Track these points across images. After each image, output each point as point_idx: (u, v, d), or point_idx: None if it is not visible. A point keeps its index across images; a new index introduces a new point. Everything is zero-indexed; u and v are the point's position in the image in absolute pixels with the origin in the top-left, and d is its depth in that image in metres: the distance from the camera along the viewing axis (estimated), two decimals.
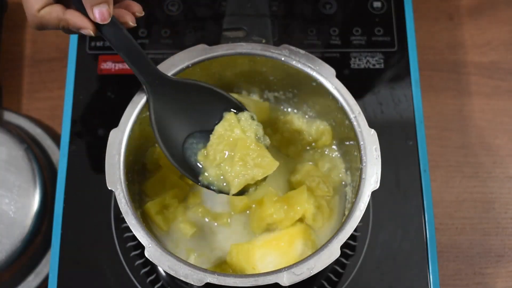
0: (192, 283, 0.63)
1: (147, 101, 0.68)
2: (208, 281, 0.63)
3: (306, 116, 0.80)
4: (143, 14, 0.66)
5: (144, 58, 0.67)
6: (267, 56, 0.74)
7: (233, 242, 0.74)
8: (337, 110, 0.73)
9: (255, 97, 0.80)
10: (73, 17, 0.63)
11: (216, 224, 0.75)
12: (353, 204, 0.67)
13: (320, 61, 0.73)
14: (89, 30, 0.63)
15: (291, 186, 0.77)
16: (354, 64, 0.86)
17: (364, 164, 0.68)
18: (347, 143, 0.74)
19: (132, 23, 0.65)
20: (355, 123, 0.70)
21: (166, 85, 0.68)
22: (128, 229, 0.71)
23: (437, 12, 0.98)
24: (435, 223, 0.79)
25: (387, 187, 0.78)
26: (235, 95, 0.77)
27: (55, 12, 0.63)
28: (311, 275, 0.63)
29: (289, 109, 0.80)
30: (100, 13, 0.62)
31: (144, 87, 0.68)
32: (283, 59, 0.73)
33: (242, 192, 0.67)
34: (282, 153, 0.79)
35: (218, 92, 0.70)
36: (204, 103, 0.70)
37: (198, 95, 0.69)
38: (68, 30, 0.64)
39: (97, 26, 0.63)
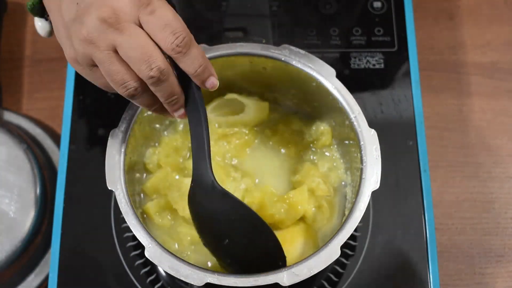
0: (192, 283, 0.63)
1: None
2: (208, 281, 0.63)
3: (306, 117, 0.80)
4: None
5: (207, 153, 0.63)
6: (267, 56, 0.74)
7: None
8: (337, 110, 0.73)
9: (255, 97, 0.80)
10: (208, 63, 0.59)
11: None
12: (353, 204, 0.67)
13: (320, 61, 0.73)
14: (217, 81, 0.60)
15: (291, 187, 0.77)
16: (354, 64, 0.86)
17: (364, 164, 0.68)
18: (347, 142, 0.74)
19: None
20: (355, 123, 0.70)
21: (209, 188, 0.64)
22: (128, 229, 0.71)
23: (437, 12, 0.98)
24: (435, 223, 0.79)
25: (387, 187, 0.78)
26: (234, 95, 0.78)
27: (200, 48, 0.58)
28: (311, 275, 0.63)
29: (289, 110, 0.80)
30: (211, 83, 0.59)
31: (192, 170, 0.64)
32: (283, 59, 0.73)
33: None
34: (282, 153, 0.79)
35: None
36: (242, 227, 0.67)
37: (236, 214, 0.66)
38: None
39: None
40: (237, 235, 0.66)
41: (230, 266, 0.68)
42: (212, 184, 0.63)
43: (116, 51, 0.56)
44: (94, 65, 0.58)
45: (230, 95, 0.78)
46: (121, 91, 0.58)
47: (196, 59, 0.58)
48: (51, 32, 0.67)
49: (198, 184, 0.64)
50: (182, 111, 0.61)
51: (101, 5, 0.55)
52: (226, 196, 0.64)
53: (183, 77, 0.60)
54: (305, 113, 0.80)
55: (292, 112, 0.80)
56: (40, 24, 0.67)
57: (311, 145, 0.79)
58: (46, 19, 0.67)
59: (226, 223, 0.66)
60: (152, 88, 0.58)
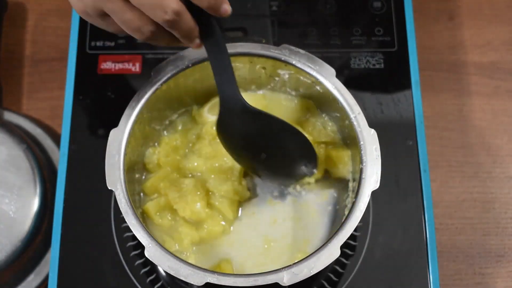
0: (192, 283, 0.63)
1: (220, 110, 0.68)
2: (208, 281, 0.63)
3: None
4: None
5: (232, 77, 0.66)
6: (267, 56, 0.74)
7: (234, 243, 0.74)
8: (337, 110, 0.73)
9: (249, 92, 0.80)
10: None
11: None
12: (353, 204, 0.67)
13: (320, 61, 0.73)
14: (230, 7, 0.60)
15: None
16: (354, 64, 0.86)
17: (364, 164, 0.68)
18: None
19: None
20: (355, 123, 0.70)
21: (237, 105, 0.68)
22: (128, 229, 0.71)
23: (437, 12, 0.98)
24: (435, 223, 0.79)
25: (387, 187, 0.78)
26: None
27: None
28: (311, 275, 0.63)
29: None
30: (225, 11, 0.60)
31: (220, 98, 0.67)
32: (283, 59, 0.73)
33: None
34: None
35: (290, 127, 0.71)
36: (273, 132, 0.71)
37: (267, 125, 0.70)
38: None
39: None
40: (274, 146, 0.71)
41: (267, 174, 0.74)
42: (242, 104, 0.67)
43: (127, 0, 0.57)
44: (105, 14, 0.59)
45: None
46: (137, 36, 0.60)
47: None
48: None
49: (228, 108, 0.67)
50: (197, 41, 0.62)
51: None
52: (259, 113, 0.68)
53: (195, 8, 0.60)
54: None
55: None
56: None
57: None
58: None
59: (261, 138, 0.71)
60: (168, 28, 0.59)
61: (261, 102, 0.78)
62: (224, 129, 0.70)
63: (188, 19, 0.59)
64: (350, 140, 0.73)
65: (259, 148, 0.72)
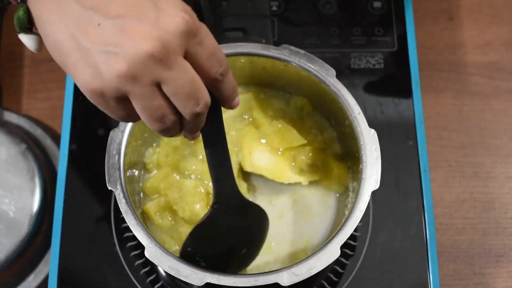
0: (192, 283, 0.63)
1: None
2: (208, 281, 0.63)
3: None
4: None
5: (230, 166, 0.63)
6: (267, 56, 0.74)
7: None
8: (337, 110, 0.73)
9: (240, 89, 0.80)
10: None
11: None
12: (353, 204, 0.67)
13: (320, 61, 0.73)
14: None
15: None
16: (354, 64, 0.86)
17: (364, 164, 0.68)
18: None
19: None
20: (355, 123, 0.70)
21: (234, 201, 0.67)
22: (128, 229, 0.71)
23: (437, 12, 0.98)
24: (435, 223, 0.79)
25: (387, 187, 0.78)
26: None
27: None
28: (311, 275, 0.63)
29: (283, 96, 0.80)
30: (236, 103, 0.57)
31: (215, 193, 0.66)
32: (283, 59, 0.73)
33: None
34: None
35: None
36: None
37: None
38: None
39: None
40: (254, 236, 0.70)
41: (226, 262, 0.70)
42: (240, 199, 0.67)
43: (159, 86, 0.50)
44: (124, 98, 0.51)
45: None
46: (156, 126, 0.52)
47: (232, 83, 0.56)
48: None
49: (225, 203, 0.66)
50: (198, 133, 0.57)
51: (145, 35, 0.48)
52: (253, 205, 0.69)
53: None
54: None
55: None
56: (30, 41, 0.57)
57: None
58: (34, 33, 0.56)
59: (245, 231, 0.70)
60: (190, 120, 0.53)
61: (249, 103, 0.78)
62: (211, 225, 0.67)
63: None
64: (350, 140, 0.73)
65: (240, 242, 0.69)
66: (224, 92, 0.55)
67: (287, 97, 0.79)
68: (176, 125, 0.53)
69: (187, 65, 0.50)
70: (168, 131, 0.54)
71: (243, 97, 0.78)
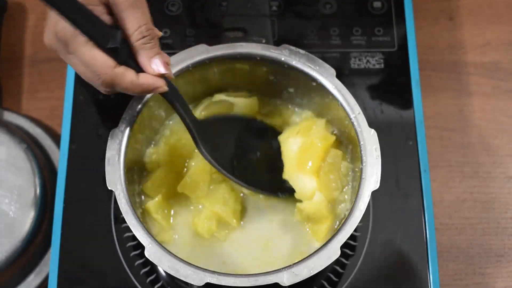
0: (192, 283, 0.63)
1: (194, 140, 0.71)
2: (208, 281, 0.63)
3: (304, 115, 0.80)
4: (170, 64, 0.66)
5: (188, 107, 0.69)
6: (267, 56, 0.74)
7: (235, 244, 0.74)
8: (337, 110, 0.73)
9: (243, 93, 0.80)
10: (146, 79, 0.63)
11: (218, 227, 0.75)
12: (353, 204, 0.67)
13: (320, 61, 0.73)
14: (164, 87, 0.64)
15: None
16: (354, 64, 0.86)
17: (364, 164, 0.68)
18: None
19: (172, 75, 0.66)
20: (355, 123, 0.70)
21: (204, 124, 0.71)
22: (128, 229, 0.71)
23: (437, 12, 0.98)
24: (435, 223, 0.79)
25: (387, 187, 0.78)
26: (222, 95, 0.78)
27: (130, 75, 0.62)
28: (311, 275, 0.63)
29: (289, 106, 0.80)
30: (160, 64, 0.63)
31: (192, 130, 0.70)
32: (283, 59, 0.73)
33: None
34: None
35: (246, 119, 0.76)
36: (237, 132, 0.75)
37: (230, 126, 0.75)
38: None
39: None
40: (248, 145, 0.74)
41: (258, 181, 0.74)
42: (202, 120, 0.72)
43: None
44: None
45: (218, 96, 0.78)
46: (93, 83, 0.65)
47: (129, 91, 0.63)
48: None
49: (198, 128, 0.70)
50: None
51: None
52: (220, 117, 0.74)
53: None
54: (303, 112, 0.80)
55: (291, 110, 0.80)
56: None
57: None
58: None
59: (236, 140, 0.74)
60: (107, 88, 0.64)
61: (253, 108, 0.78)
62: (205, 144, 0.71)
63: (130, 79, 0.62)
64: (350, 140, 0.73)
65: (249, 149, 0.74)
66: (123, 92, 0.64)
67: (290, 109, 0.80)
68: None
69: (75, 61, 0.62)
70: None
71: (247, 101, 0.78)
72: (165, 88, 0.64)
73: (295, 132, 0.75)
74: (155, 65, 0.63)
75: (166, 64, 0.64)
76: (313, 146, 0.73)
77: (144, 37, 0.62)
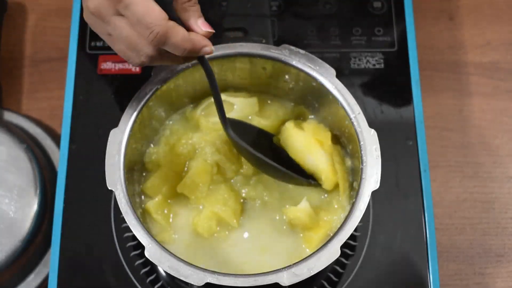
0: (192, 283, 0.63)
1: (228, 130, 0.71)
2: (208, 281, 0.63)
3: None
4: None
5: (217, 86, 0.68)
6: (267, 56, 0.74)
7: (235, 244, 0.74)
8: (337, 110, 0.73)
9: (243, 93, 0.80)
10: (196, 36, 0.62)
11: (219, 228, 0.75)
12: (353, 204, 0.67)
13: (320, 61, 0.73)
14: (211, 47, 0.63)
15: None
16: (354, 64, 0.86)
17: (364, 164, 0.68)
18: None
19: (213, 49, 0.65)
20: (355, 123, 0.70)
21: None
22: (128, 229, 0.71)
23: (437, 12, 0.98)
24: (435, 223, 0.79)
25: (387, 187, 0.78)
26: (222, 95, 0.78)
27: (182, 30, 0.61)
28: (311, 275, 0.63)
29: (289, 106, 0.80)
30: (207, 25, 0.63)
31: (225, 118, 0.70)
32: (283, 59, 0.73)
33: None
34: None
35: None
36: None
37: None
38: (175, 57, 0.64)
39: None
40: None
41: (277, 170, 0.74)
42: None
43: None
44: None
45: None
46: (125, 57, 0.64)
47: (177, 48, 0.61)
48: None
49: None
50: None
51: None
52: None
53: None
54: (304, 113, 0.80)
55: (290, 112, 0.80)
56: None
57: None
58: None
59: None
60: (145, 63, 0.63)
61: (253, 108, 0.78)
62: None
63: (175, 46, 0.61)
64: (350, 140, 0.73)
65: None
66: (173, 52, 0.62)
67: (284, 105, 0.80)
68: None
69: (121, 23, 0.60)
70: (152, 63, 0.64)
71: (247, 101, 0.78)
72: (212, 48, 0.63)
73: (293, 125, 0.75)
74: (202, 24, 0.63)
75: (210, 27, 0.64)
76: (321, 129, 0.75)
77: (190, 0, 0.62)
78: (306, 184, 0.75)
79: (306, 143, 0.74)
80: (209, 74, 0.67)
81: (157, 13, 0.59)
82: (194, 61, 0.73)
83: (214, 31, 0.64)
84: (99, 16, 0.61)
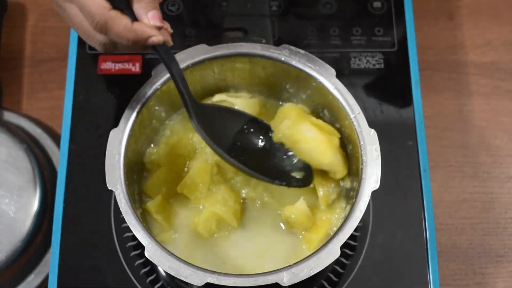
0: (192, 283, 0.63)
1: (192, 120, 0.70)
2: (208, 281, 0.63)
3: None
4: (171, 31, 0.66)
5: (184, 79, 0.68)
6: (267, 56, 0.74)
7: (235, 244, 0.74)
8: (337, 110, 0.73)
9: (243, 93, 0.80)
10: (141, 26, 0.62)
11: (218, 228, 0.75)
12: (353, 204, 0.67)
13: (320, 61, 0.73)
14: (158, 37, 0.63)
15: None
16: (354, 64, 0.86)
17: (364, 164, 0.68)
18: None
19: (170, 41, 0.65)
20: (355, 123, 0.70)
21: (200, 108, 0.71)
22: (128, 229, 0.71)
23: (437, 12, 0.98)
24: (435, 223, 0.79)
25: (387, 187, 0.78)
26: (223, 95, 0.78)
27: (124, 20, 0.62)
28: (311, 275, 0.63)
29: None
30: (157, 18, 0.63)
31: (189, 108, 0.69)
32: (283, 59, 0.73)
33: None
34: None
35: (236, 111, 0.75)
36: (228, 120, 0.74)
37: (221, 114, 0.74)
38: (119, 45, 0.64)
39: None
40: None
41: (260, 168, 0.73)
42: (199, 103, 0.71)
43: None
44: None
45: (218, 96, 0.78)
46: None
47: (120, 38, 0.62)
48: None
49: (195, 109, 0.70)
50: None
51: None
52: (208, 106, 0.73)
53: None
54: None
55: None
56: None
57: None
58: None
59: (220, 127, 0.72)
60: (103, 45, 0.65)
61: (254, 108, 0.78)
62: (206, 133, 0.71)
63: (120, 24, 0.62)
64: (350, 140, 0.73)
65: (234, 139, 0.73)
66: (119, 40, 0.62)
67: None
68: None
69: (72, 10, 0.63)
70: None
71: (247, 102, 0.78)
72: (159, 38, 0.63)
73: (296, 121, 0.75)
74: (152, 17, 0.63)
75: (162, 19, 0.63)
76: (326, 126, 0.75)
77: None
78: (271, 183, 0.74)
79: (311, 137, 0.74)
80: (165, 63, 0.67)
81: (98, 2, 0.60)
82: (194, 61, 0.73)
83: (163, 25, 0.64)
84: (55, 3, 0.64)
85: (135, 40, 0.62)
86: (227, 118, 0.74)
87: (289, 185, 0.73)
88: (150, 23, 0.63)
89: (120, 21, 0.61)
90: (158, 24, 0.63)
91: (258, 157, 0.74)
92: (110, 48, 0.64)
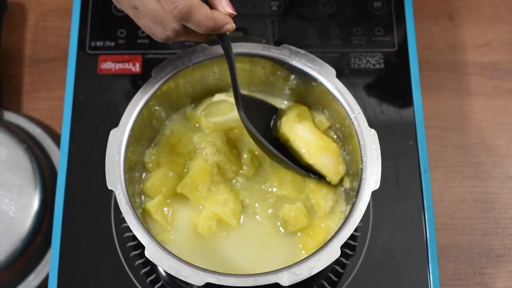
0: (192, 283, 0.63)
1: (239, 111, 0.71)
2: (208, 281, 0.63)
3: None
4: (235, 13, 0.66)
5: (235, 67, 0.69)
6: (267, 56, 0.74)
7: (235, 244, 0.74)
8: (337, 110, 0.73)
9: (244, 93, 0.80)
10: (219, 15, 0.63)
11: (218, 228, 0.75)
12: (353, 204, 0.67)
13: (320, 61, 0.73)
14: (233, 24, 0.64)
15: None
16: (354, 64, 0.87)
17: (364, 164, 0.68)
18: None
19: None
20: (355, 123, 0.70)
21: (242, 99, 0.71)
22: (128, 229, 0.71)
23: (437, 12, 0.98)
24: (435, 223, 0.79)
25: (387, 187, 0.78)
26: (223, 95, 0.78)
27: (206, 8, 0.62)
28: (311, 275, 0.63)
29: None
30: (230, 5, 0.64)
31: (238, 98, 0.70)
32: (283, 59, 0.73)
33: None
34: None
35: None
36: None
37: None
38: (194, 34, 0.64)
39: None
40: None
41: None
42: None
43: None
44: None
45: (218, 96, 0.78)
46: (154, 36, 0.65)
47: (200, 25, 0.62)
48: None
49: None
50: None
51: None
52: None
53: None
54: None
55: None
56: None
57: None
58: None
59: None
60: (169, 38, 0.64)
61: None
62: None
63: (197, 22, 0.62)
64: (350, 140, 0.73)
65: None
66: (196, 29, 0.62)
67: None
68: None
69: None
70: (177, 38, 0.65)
71: None
72: (233, 25, 0.64)
73: (294, 119, 0.75)
74: (226, 4, 0.64)
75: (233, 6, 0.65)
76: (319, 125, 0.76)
77: None
78: (307, 176, 0.75)
79: (307, 139, 0.74)
80: (227, 51, 0.68)
81: None
82: (195, 61, 0.73)
83: (235, 13, 0.65)
84: None
85: (214, 28, 0.63)
86: (260, 109, 0.75)
87: (320, 178, 0.74)
88: (224, 10, 0.64)
89: (202, 8, 0.62)
90: (232, 11, 0.64)
91: (284, 149, 0.75)
92: (181, 35, 0.64)
